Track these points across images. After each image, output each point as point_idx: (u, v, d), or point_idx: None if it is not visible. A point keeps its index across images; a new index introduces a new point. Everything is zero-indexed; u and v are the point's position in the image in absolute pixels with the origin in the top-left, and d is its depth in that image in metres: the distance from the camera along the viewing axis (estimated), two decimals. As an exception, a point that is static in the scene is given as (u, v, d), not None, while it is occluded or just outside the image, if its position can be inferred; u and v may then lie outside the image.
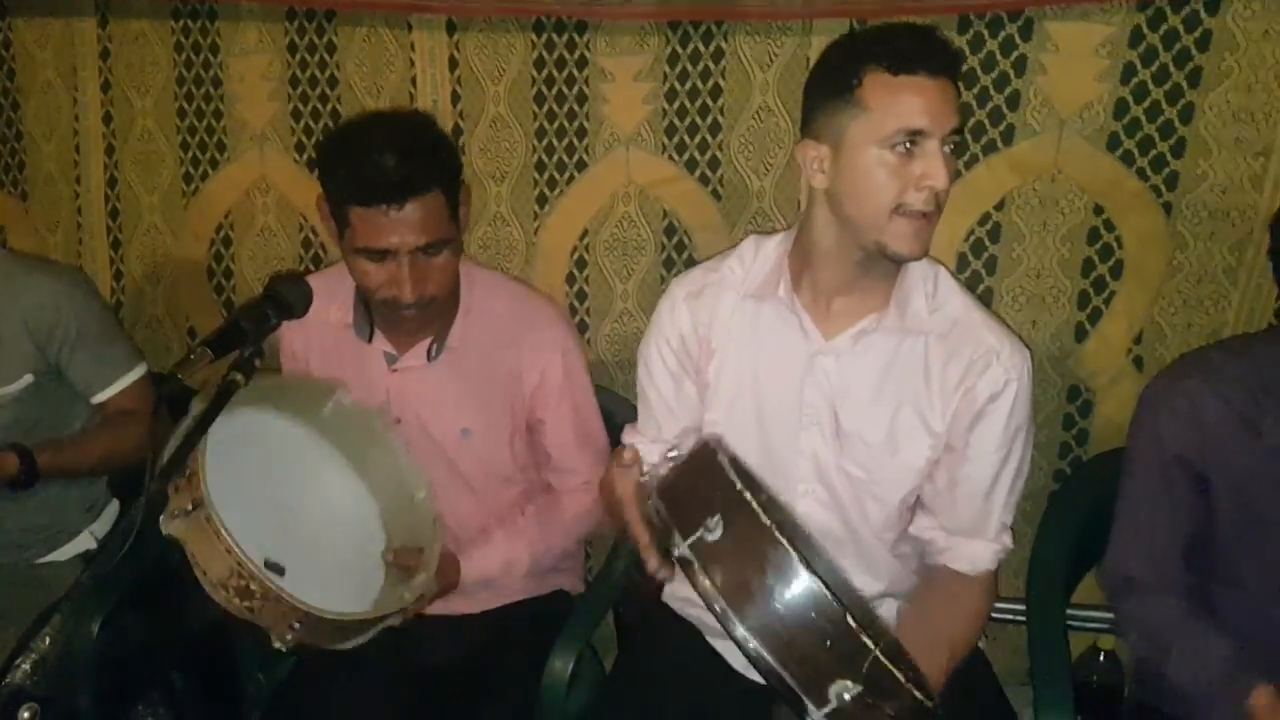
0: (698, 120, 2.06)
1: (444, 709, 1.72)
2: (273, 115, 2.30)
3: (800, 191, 2.04)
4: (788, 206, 2.06)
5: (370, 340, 1.83)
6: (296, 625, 1.49)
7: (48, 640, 1.16)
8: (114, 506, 2.14)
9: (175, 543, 1.43)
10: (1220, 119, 1.84)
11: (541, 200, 2.20)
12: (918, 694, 1.07)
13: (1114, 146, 1.89)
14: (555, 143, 2.15)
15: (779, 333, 1.58)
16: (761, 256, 1.62)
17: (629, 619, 2.04)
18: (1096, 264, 1.97)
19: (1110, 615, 1.85)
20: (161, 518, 1.43)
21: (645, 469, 1.38)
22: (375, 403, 1.85)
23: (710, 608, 1.10)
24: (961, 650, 1.53)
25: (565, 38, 2.07)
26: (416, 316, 1.74)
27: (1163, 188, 1.90)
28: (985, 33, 1.89)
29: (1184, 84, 1.84)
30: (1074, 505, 1.89)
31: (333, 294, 1.84)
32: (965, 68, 1.88)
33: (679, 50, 2.02)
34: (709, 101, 2.04)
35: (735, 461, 1.28)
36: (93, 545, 2.07)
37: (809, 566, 1.07)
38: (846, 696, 1.05)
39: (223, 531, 1.41)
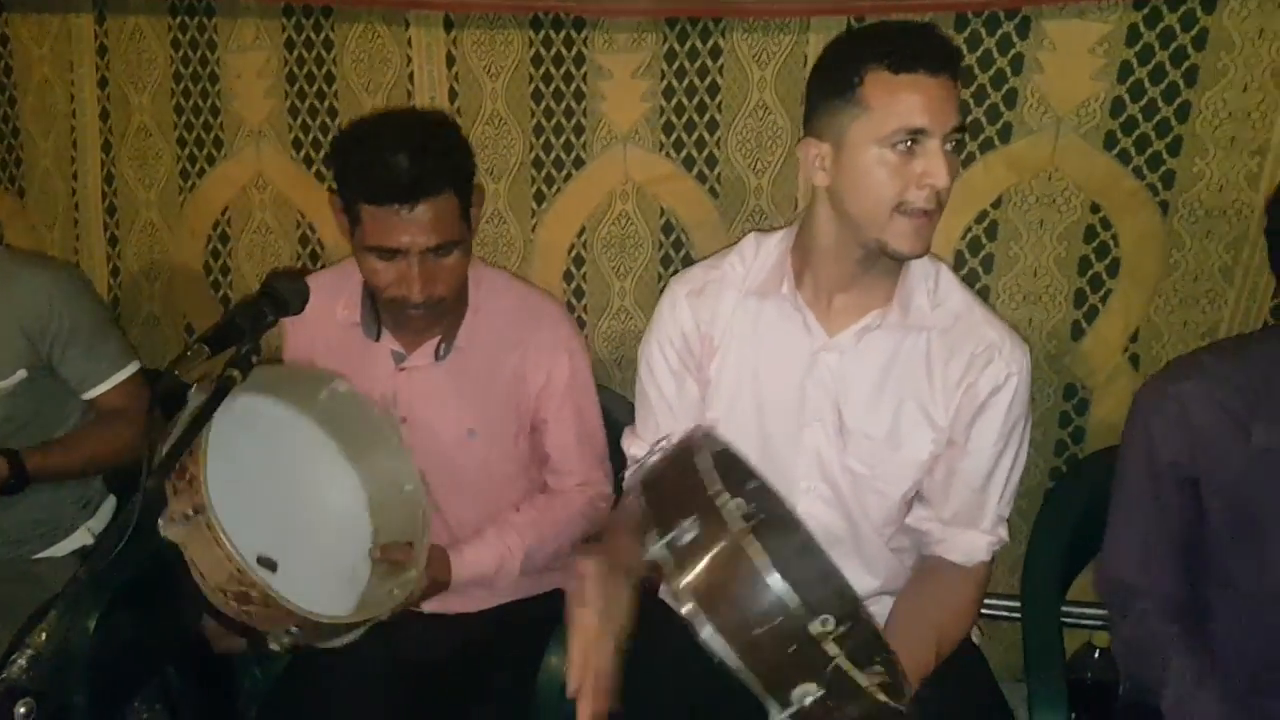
0: (695, 117, 2.06)
1: (440, 706, 1.72)
2: (270, 112, 2.30)
3: (798, 189, 2.05)
4: (785, 204, 2.06)
5: (378, 339, 1.83)
6: (293, 629, 1.49)
7: (44, 636, 1.16)
8: (110, 502, 2.14)
9: (173, 546, 1.43)
10: (1216, 118, 1.84)
11: (539, 197, 2.20)
12: (882, 697, 1.09)
13: (1110, 145, 1.90)
14: (553, 140, 2.15)
15: (781, 330, 1.58)
16: (763, 254, 1.62)
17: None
18: (1093, 262, 1.97)
19: (1105, 612, 1.86)
20: (160, 521, 1.42)
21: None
22: (382, 401, 1.84)
23: (681, 607, 1.12)
24: (951, 642, 1.54)
25: (563, 34, 2.07)
26: (424, 316, 1.74)
27: (1159, 186, 1.90)
28: (982, 30, 1.89)
29: (1180, 83, 1.84)
30: (1069, 503, 1.89)
31: (339, 291, 1.84)
32: (962, 65, 1.88)
33: (676, 47, 2.02)
34: (706, 99, 2.04)
35: (724, 454, 1.29)
36: (89, 541, 2.07)
37: (778, 572, 1.09)
38: (808, 700, 1.08)
39: (223, 539, 1.40)
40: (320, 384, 1.76)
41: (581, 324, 2.24)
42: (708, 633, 1.10)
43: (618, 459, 1.89)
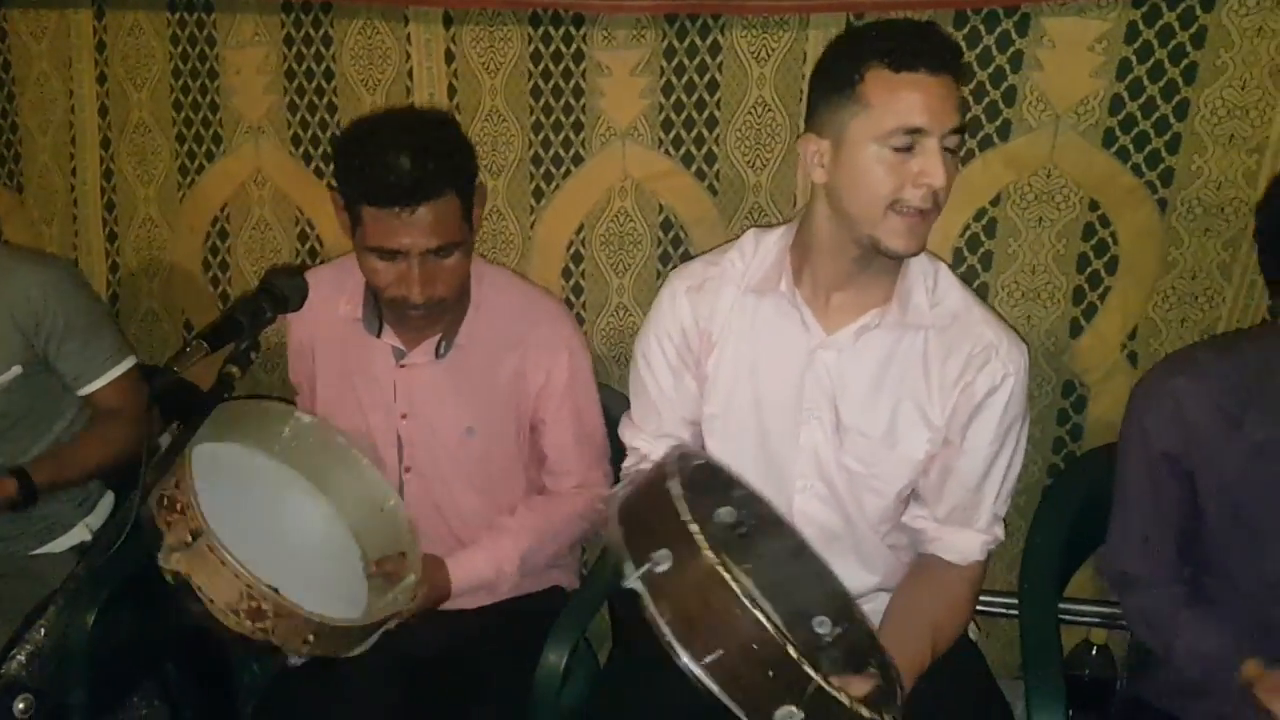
0: (694, 114, 2.06)
1: (438, 701, 1.72)
2: (269, 108, 2.30)
3: (797, 186, 2.05)
4: (784, 201, 2.06)
5: (379, 335, 1.83)
6: (310, 638, 1.49)
7: (43, 632, 1.16)
8: (109, 499, 2.14)
9: (177, 578, 1.42)
10: (1215, 115, 1.84)
11: (538, 194, 2.20)
12: (866, 714, 1.10)
13: (1109, 142, 1.90)
14: (551, 136, 2.15)
15: (779, 327, 1.59)
16: (762, 251, 1.62)
17: (624, 612, 2.04)
18: (1091, 259, 1.97)
19: (1102, 609, 1.87)
20: (159, 556, 1.42)
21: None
22: (383, 397, 1.85)
23: (658, 637, 1.13)
24: (946, 640, 1.54)
25: (562, 31, 2.07)
26: (424, 316, 1.74)
27: (1157, 184, 1.90)
28: (981, 28, 1.89)
29: (1179, 80, 1.84)
30: (1067, 500, 1.89)
31: (341, 286, 1.84)
32: (963, 64, 1.88)
33: (676, 44, 2.02)
34: (705, 96, 2.04)
35: (704, 467, 1.29)
36: (87, 537, 2.07)
37: (750, 599, 1.10)
38: None
39: (228, 557, 1.40)
40: (282, 420, 1.77)
41: (580, 321, 2.24)
42: (686, 661, 1.11)
43: (617, 455, 1.89)
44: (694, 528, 1.14)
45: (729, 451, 1.65)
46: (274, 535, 1.69)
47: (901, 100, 1.38)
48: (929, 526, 1.63)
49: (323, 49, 2.22)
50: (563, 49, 2.08)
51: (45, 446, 2.01)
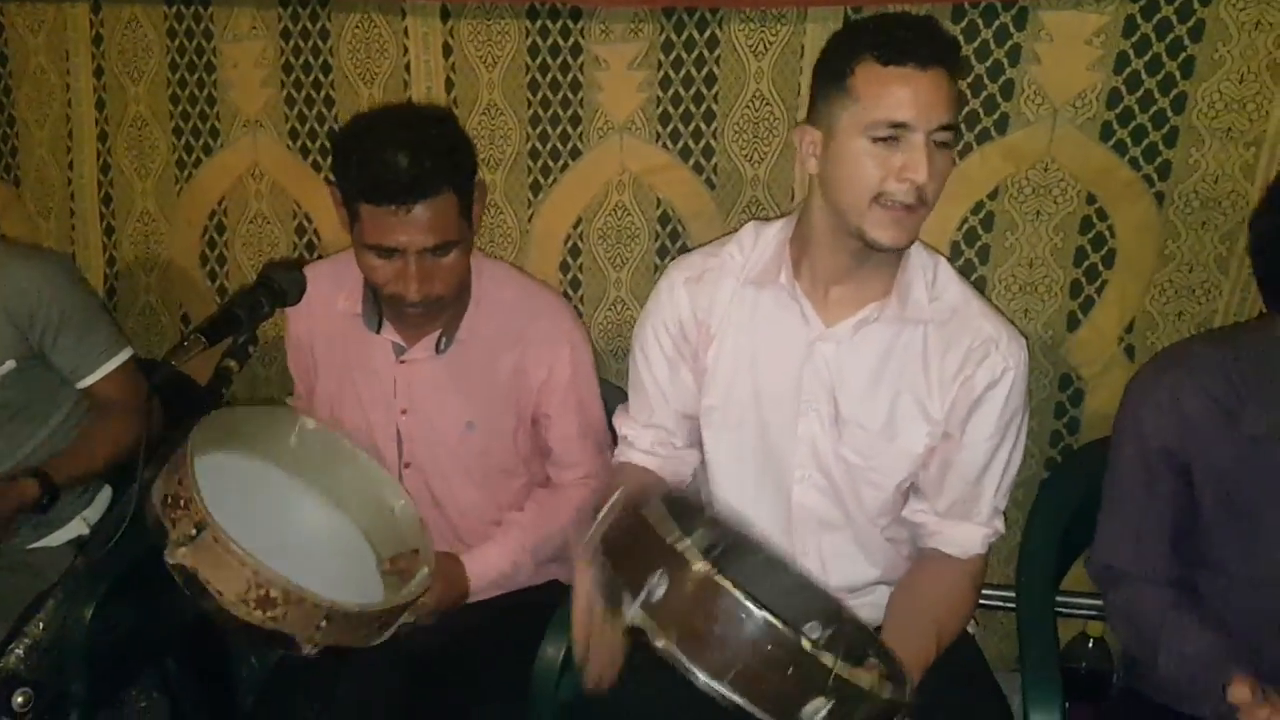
0: (692, 108, 2.06)
1: (436, 694, 1.72)
2: (266, 101, 2.30)
3: (795, 179, 2.05)
4: (782, 194, 2.06)
5: (378, 331, 1.82)
6: (322, 623, 1.47)
7: (41, 626, 1.16)
8: (106, 493, 2.14)
9: (183, 573, 1.41)
10: (1213, 109, 1.84)
11: (535, 188, 2.20)
12: (888, 694, 1.09)
13: (1107, 136, 1.90)
14: (549, 130, 2.15)
15: (778, 319, 1.59)
16: (761, 243, 1.62)
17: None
18: (1089, 253, 1.97)
19: (1099, 602, 1.87)
20: (165, 552, 1.41)
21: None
22: (383, 392, 1.85)
23: (673, 664, 1.11)
24: (950, 634, 1.54)
25: (559, 24, 2.07)
26: (423, 314, 1.74)
27: (1155, 177, 1.90)
28: (979, 21, 1.88)
29: (1177, 74, 1.84)
30: (1064, 493, 1.89)
31: (340, 282, 1.83)
32: (960, 58, 1.88)
33: (673, 38, 2.02)
34: (703, 89, 2.04)
35: (669, 497, 1.28)
36: (84, 531, 2.07)
37: (755, 601, 1.08)
38: (820, 715, 1.08)
39: (233, 545, 1.39)
40: (288, 426, 1.76)
41: (578, 314, 2.24)
42: (704, 679, 1.10)
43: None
44: (681, 545, 1.13)
45: (728, 443, 1.65)
46: (284, 543, 1.67)
47: (888, 94, 1.38)
48: (929, 520, 1.63)
49: (320, 42, 2.22)
50: (560, 42, 2.08)
51: (42, 440, 2.01)
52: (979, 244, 2.01)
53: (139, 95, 2.39)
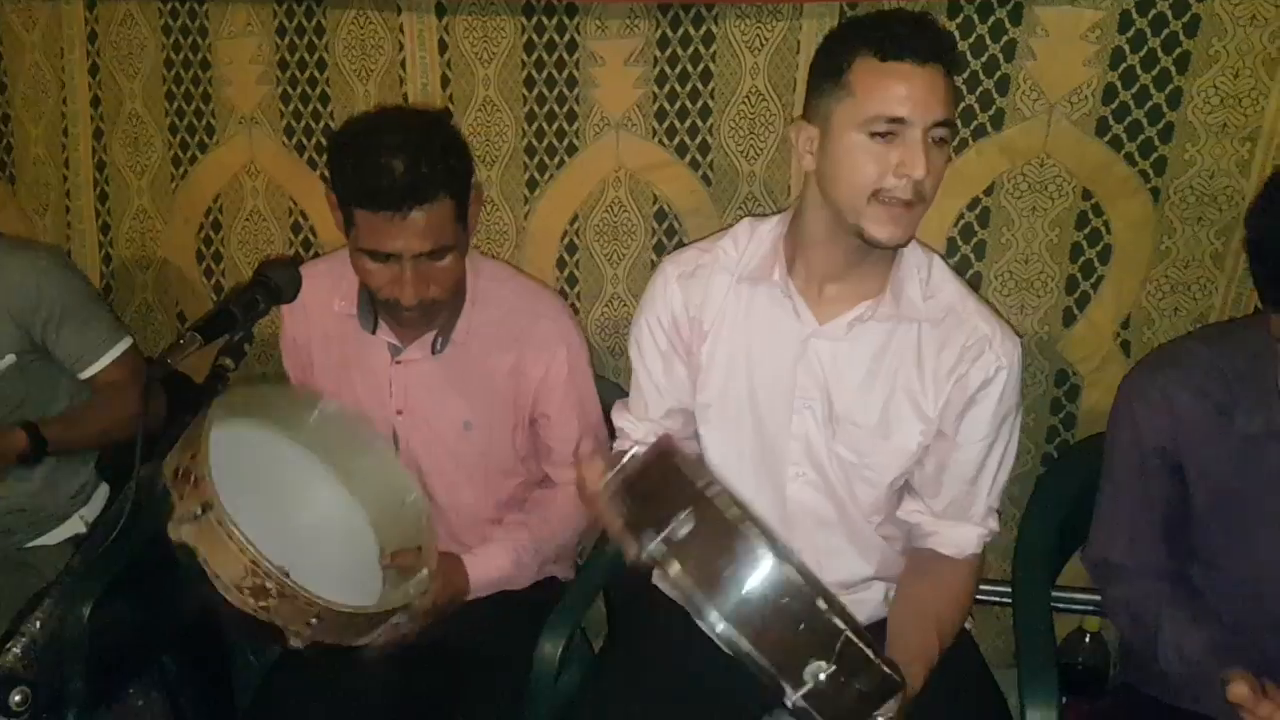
0: (688, 104, 2.06)
1: (434, 691, 1.72)
2: (261, 98, 2.30)
3: (791, 176, 2.05)
4: (778, 191, 2.06)
5: (374, 331, 1.82)
6: (313, 621, 1.48)
7: (38, 624, 1.16)
8: (103, 490, 2.14)
9: (185, 549, 1.42)
10: (1208, 104, 1.85)
11: (531, 184, 2.20)
12: (887, 669, 1.10)
13: (1102, 131, 1.90)
14: (545, 127, 2.15)
15: (772, 316, 1.59)
16: (756, 239, 1.62)
17: (619, 602, 2.05)
18: (1085, 249, 1.98)
19: (1095, 598, 1.87)
20: (169, 525, 1.41)
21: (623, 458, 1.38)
22: (379, 393, 1.84)
23: (686, 601, 1.12)
24: (950, 633, 1.54)
25: (555, 21, 2.07)
26: (418, 317, 1.73)
27: (1150, 173, 1.91)
28: (975, 17, 1.89)
29: (1172, 69, 1.84)
30: (1060, 489, 1.90)
31: (335, 283, 1.82)
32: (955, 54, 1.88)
33: (669, 34, 2.02)
34: (699, 85, 2.04)
35: (687, 459, 1.29)
36: (82, 529, 2.08)
37: (778, 554, 1.09)
38: (821, 676, 1.08)
39: (236, 532, 1.40)
40: (309, 406, 1.76)
41: (575, 312, 2.24)
42: (715, 621, 1.10)
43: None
44: (712, 490, 1.14)
45: (723, 439, 1.65)
46: (291, 520, 1.69)
47: (885, 89, 1.37)
48: (925, 520, 1.63)
49: (315, 39, 2.22)
50: (556, 39, 2.08)
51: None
52: (975, 239, 2.01)
53: (134, 92, 2.38)
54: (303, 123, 2.29)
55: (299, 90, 2.27)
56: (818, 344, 1.56)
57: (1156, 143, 1.89)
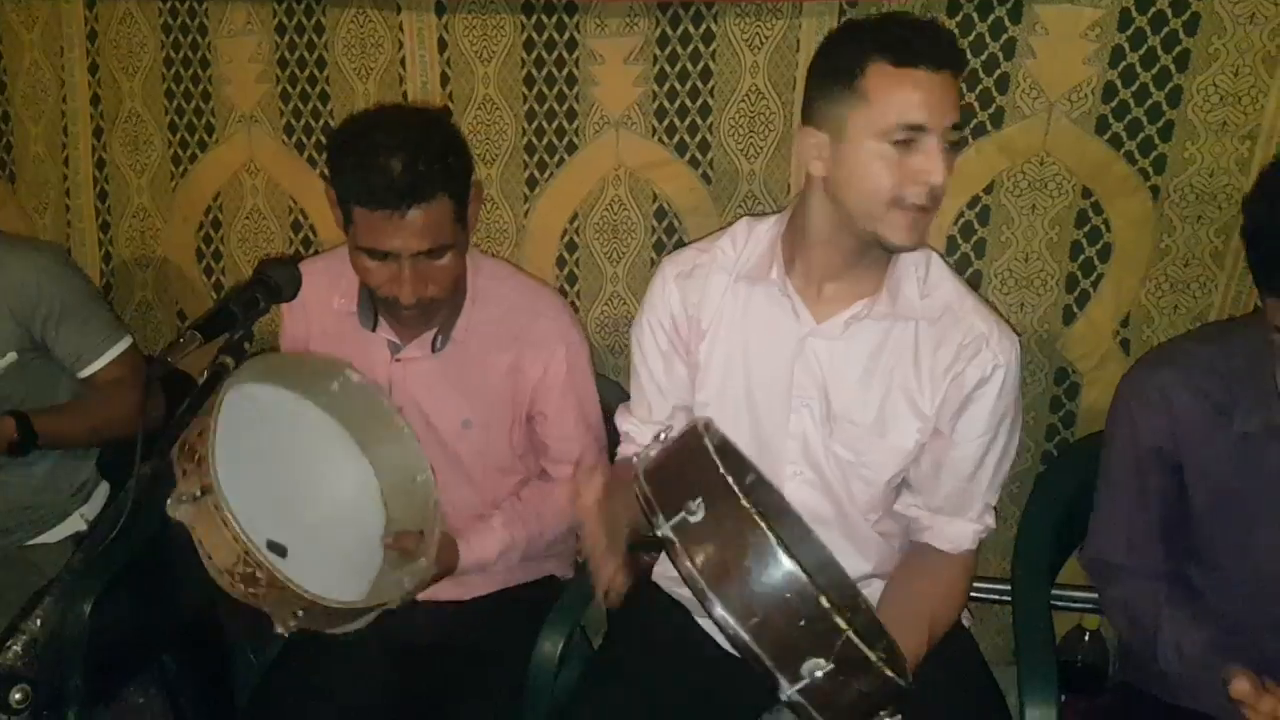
0: (687, 103, 2.06)
1: (433, 689, 1.72)
2: (261, 97, 2.30)
3: (790, 174, 2.05)
4: (778, 189, 2.06)
5: (374, 329, 1.82)
6: (300, 613, 1.49)
7: (39, 622, 1.16)
8: (104, 488, 2.14)
9: (181, 526, 1.43)
10: (1208, 102, 1.85)
11: (531, 183, 2.20)
12: (889, 672, 1.10)
13: (1102, 130, 1.90)
14: (545, 125, 2.15)
15: (770, 315, 1.59)
16: (754, 239, 1.62)
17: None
18: (1084, 247, 1.98)
19: (1095, 595, 1.87)
20: (169, 501, 1.42)
21: (637, 451, 1.39)
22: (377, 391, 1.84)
23: (690, 587, 1.12)
24: (942, 627, 1.55)
25: (555, 19, 2.07)
26: (417, 316, 1.73)
27: (1150, 171, 1.91)
28: (975, 16, 1.88)
29: (1172, 67, 1.84)
30: (1060, 487, 1.90)
31: (335, 281, 1.82)
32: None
33: (669, 32, 2.02)
34: (699, 84, 2.04)
35: (724, 444, 1.29)
36: (83, 527, 2.08)
37: (786, 549, 1.10)
38: (818, 674, 1.09)
39: (230, 520, 1.40)
40: (332, 373, 1.76)
41: (574, 310, 2.24)
42: (718, 611, 1.11)
43: (612, 443, 1.89)
44: (730, 479, 1.14)
45: (722, 438, 1.65)
46: (300, 487, 1.69)
47: (903, 96, 1.36)
48: (922, 515, 1.63)
49: (315, 37, 2.22)
50: (556, 37, 2.08)
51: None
52: (975, 238, 2.01)
53: (134, 91, 2.38)
54: (302, 121, 2.29)
55: (299, 89, 2.27)
56: (815, 343, 1.56)
57: (1156, 141, 1.89)
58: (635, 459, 1.29)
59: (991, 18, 1.88)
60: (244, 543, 1.41)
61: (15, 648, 1.13)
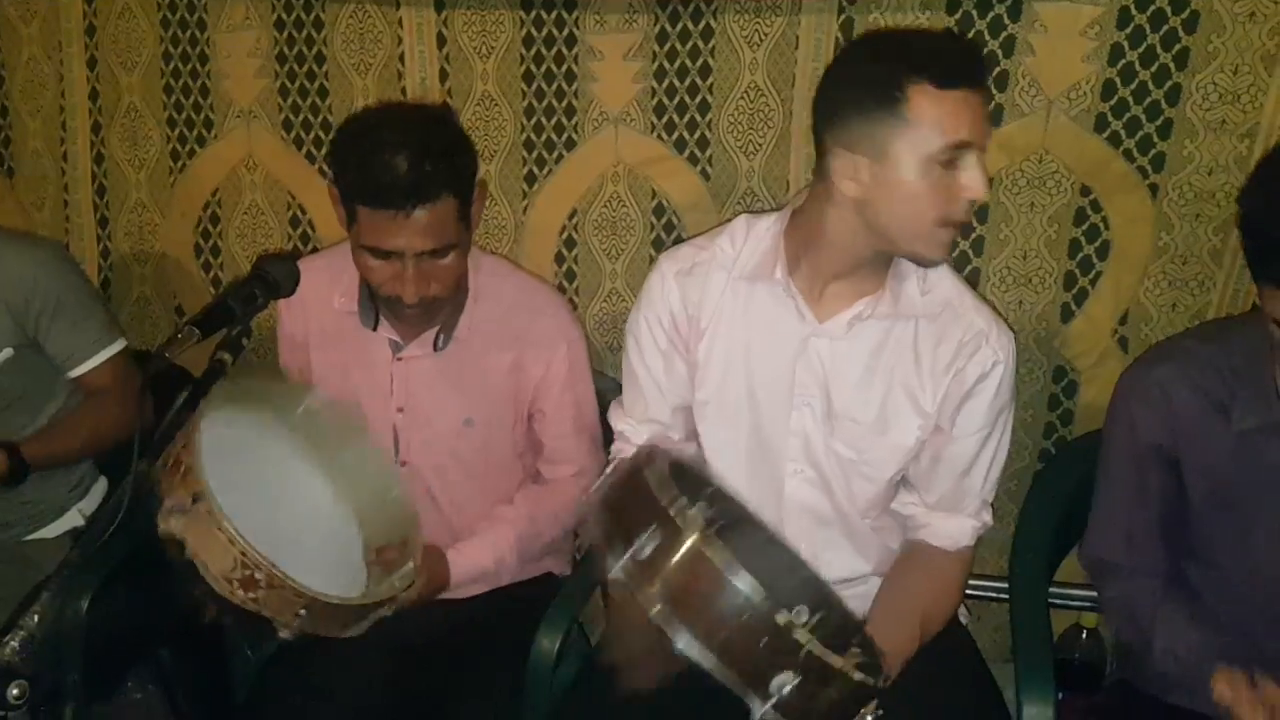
0: (686, 99, 2.06)
1: (431, 687, 1.72)
2: (260, 92, 2.29)
3: (789, 171, 2.04)
4: (777, 186, 2.06)
5: (375, 328, 1.81)
6: (302, 612, 1.48)
7: (36, 618, 1.16)
8: (102, 484, 2.14)
9: (173, 540, 1.42)
10: (1207, 101, 1.84)
11: (530, 179, 2.19)
12: (858, 676, 1.11)
13: (1101, 128, 1.90)
14: (544, 121, 2.15)
15: (773, 314, 1.58)
16: (753, 237, 1.61)
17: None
18: (1083, 245, 1.98)
19: (1093, 594, 1.88)
20: (158, 517, 1.42)
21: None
22: (379, 390, 1.84)
23: (652, 618, 1.13)
24: (936, 624, 1.55)
25: (554, 15, 2.06)
26: (419, 315, 1.73)
27: (1149, 169, 1.90)
28: (974, 13, 1.88)
29: (1171, 65, 1.84)
30: (1058, 484, 1.90)
31: (335, 279, 1.82)
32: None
33: (668, 29, 2.02)
34: (698, 80, 2.04)
35: (676, 464, 1.30)
36: (80, 523, 2.07)
37: (736, 573, 1.10)
38: (787, 689, 1.10)
39: (224, 522, 1.39)
40: (296, 398, 1.75)
41: (572, 306, 2.24)
42: (678, 641, 1.12)
43: (610, 441, 1.89)
44: (673, 509, 1.15)
45: (721, 437, 1.65)
46: (275, 515, 1.68)
47: (950, 117, 1.35)
48: (919, 512, 1.64)
49: (314, 33, 2.21)
50: (555, 33, 2.08)
51: (38, 429, 2.00)
52: (973, 236, 2.01)
53: (132, 86, 2.38)
54: (301, 116, 2.28)
55: (297, 84, 2.26)
56: (817, 342, 1.56)
57: (1155, 139, 1.89)
58: (587, 499, 1.29)
59: (991, 15, 1.88)
60: (240, 543, 1.40)
61: (13, 643, 1.13)
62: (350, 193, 1.61)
